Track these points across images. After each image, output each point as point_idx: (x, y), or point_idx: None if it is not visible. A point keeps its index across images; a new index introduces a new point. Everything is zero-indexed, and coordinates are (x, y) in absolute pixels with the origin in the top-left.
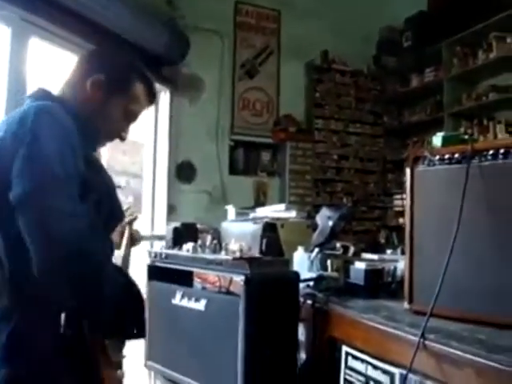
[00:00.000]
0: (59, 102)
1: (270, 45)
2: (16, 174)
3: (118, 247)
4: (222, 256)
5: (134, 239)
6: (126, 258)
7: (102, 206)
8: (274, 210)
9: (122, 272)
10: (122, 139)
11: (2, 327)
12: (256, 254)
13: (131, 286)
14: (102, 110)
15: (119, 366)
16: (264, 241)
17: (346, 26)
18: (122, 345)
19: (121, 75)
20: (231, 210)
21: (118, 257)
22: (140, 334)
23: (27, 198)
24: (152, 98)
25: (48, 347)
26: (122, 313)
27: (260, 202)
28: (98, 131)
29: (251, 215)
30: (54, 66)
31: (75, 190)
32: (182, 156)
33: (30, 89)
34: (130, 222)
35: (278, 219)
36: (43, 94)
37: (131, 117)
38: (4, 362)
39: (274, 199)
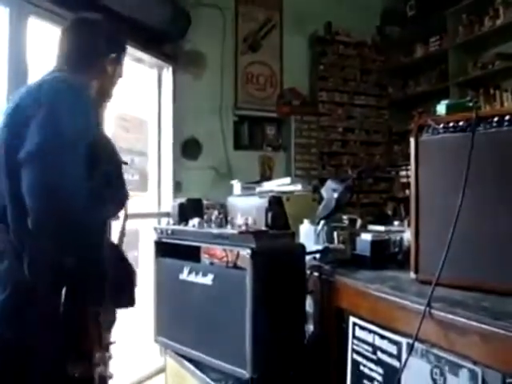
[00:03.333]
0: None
1: (272, 18)
2: (30, 134)
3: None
4: (228, 230)
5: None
6: (122, 231)
7: (111, 179)
8: (280, 184)
9: (114, 246)
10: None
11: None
12: (262, 227)
13: (123, 259)
14: (108, 80)
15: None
16: (270, 214)
17: None
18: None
19: (116, 45)
20: (237, 185)
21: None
22: (130, 304)
23: (35, 153)
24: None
25: (45, 313)
26: (114, 283)
27: (266, 176)
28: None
29: (257, 189)
30: (53, 45)
31: (83, 156)
32: (186, 132)
33: (31, 70)
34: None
35: (283, 193)
36: (60, 68)
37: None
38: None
39: (280, 173)
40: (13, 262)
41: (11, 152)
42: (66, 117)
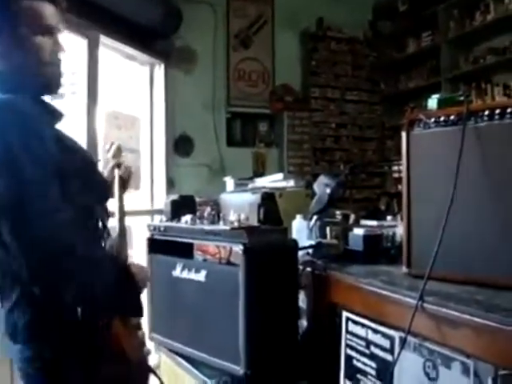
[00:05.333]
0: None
1: (263, 14)
2: None
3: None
4: (220, 226)
5: (125, 181)
6: (121, 207)
7: (86, 186)
8: (273, 180)
9: (114, 259)
10: (61, 50)
11: (19, 314)
12: (255, 223)
13: (124, 271)
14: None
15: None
16: (262, 210)
17: None
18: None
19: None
20: (230, 181)
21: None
22: (137, 314)
23: (5, 207)
24: None
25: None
26: (117, 297)
27: (259, 172)
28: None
29: (250, 186)
30: None
31: (52, 184)
32: (178, 129)
33: None
34: (115, 166)
35: (276, 189)
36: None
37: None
38: (27, 343)
39: (273, 169)
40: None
41: None
42: (18, 149)
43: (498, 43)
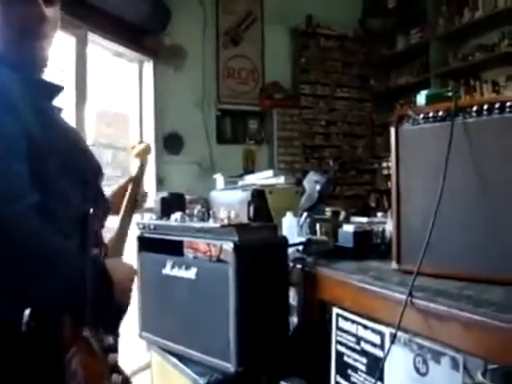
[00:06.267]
0: None
1: (253, 11)
2: None
3: (118, 212)
4: (211, 224)
5: (136, 202)
6: (124, 226)
7: (69, 168)
8: (263, 177)
9: (91, 260)
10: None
11: None
12: (244, 220)
13: (100, 275)
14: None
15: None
16: (252, 207)
17: None
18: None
19: None
20: (220, 178)
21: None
22: (109, 330)
23: None
24: None
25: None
26: (95, 305)
27: (249, 170)
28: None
29: (240, 183)
30: None
31: (19, 162)
32: (168, 127)
33: None
34: (133, 180)
35: (266, 186)
36: None
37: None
38: None
39: (263, 167)
40: None
41: None
42: None
43: (486, 40)
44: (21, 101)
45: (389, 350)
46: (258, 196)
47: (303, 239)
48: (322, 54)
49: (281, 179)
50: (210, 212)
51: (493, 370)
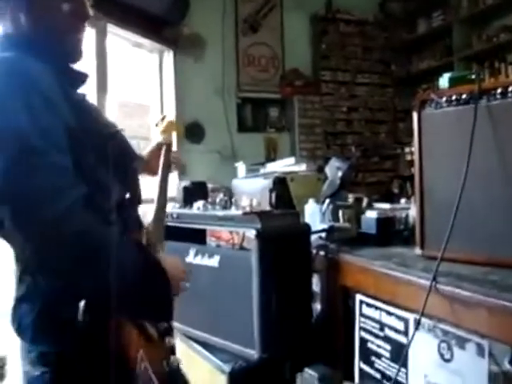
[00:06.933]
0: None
1: None
2: None
3: (155, 173)
4: (233, 212)
5: (171, 164)
6: (162, 189)
7: (106, 154)
8: (284, 165)
9: (140, 250)
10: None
11: (27, 308)
12: (267, 208)
13: (152, 265)
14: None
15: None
16: (273, 195)
17: None
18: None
19: None
20: (241, 167)
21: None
22: (165, 318)
23: (3, 184)
24: None
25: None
26: (142, 297)
27: (271, 158)
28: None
29: (261, 171)
30: None
31: (64, 155)
32: (189, 116)
33: None
34: (166, 144)
35: (288, 173)
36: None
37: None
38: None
39: (285, 155)
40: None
41: None
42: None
43: (511, 21)
44: (55, 92)
45: (413, 336)
46: (280, 183)
47: (326, 226)
48: (342, 39)
49: (302, 166)
50: (232, 200)
51: None
